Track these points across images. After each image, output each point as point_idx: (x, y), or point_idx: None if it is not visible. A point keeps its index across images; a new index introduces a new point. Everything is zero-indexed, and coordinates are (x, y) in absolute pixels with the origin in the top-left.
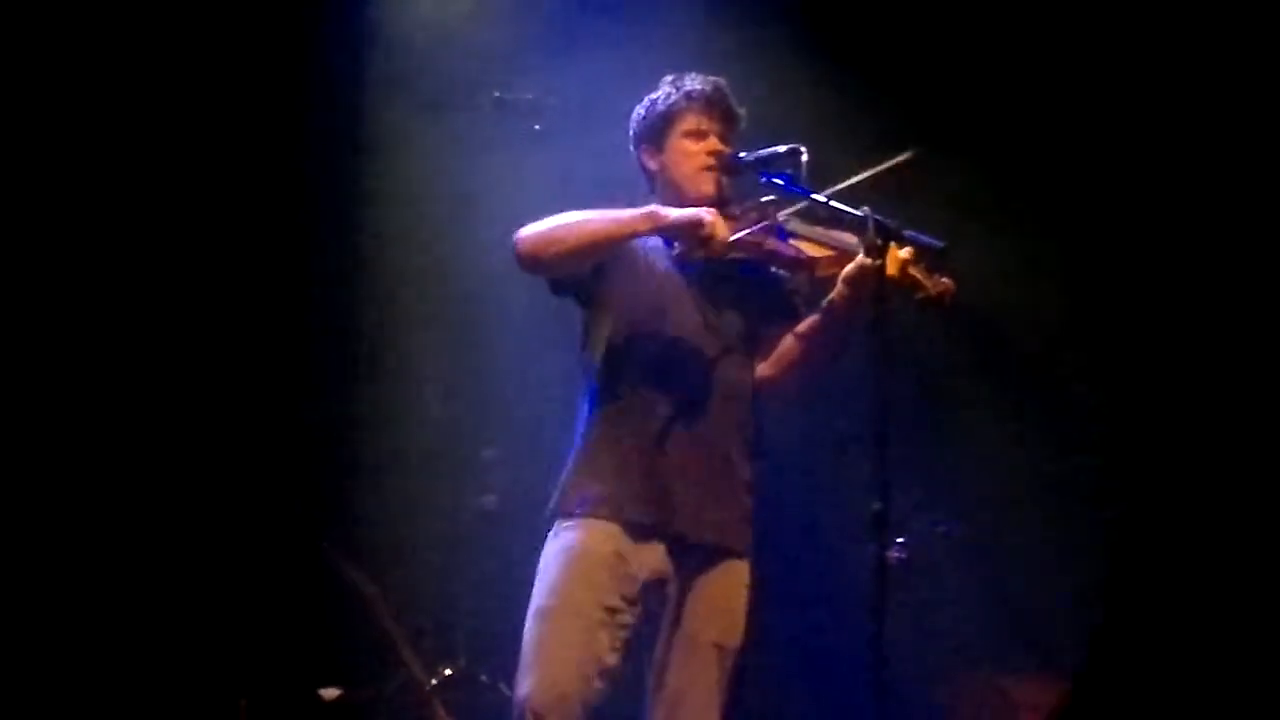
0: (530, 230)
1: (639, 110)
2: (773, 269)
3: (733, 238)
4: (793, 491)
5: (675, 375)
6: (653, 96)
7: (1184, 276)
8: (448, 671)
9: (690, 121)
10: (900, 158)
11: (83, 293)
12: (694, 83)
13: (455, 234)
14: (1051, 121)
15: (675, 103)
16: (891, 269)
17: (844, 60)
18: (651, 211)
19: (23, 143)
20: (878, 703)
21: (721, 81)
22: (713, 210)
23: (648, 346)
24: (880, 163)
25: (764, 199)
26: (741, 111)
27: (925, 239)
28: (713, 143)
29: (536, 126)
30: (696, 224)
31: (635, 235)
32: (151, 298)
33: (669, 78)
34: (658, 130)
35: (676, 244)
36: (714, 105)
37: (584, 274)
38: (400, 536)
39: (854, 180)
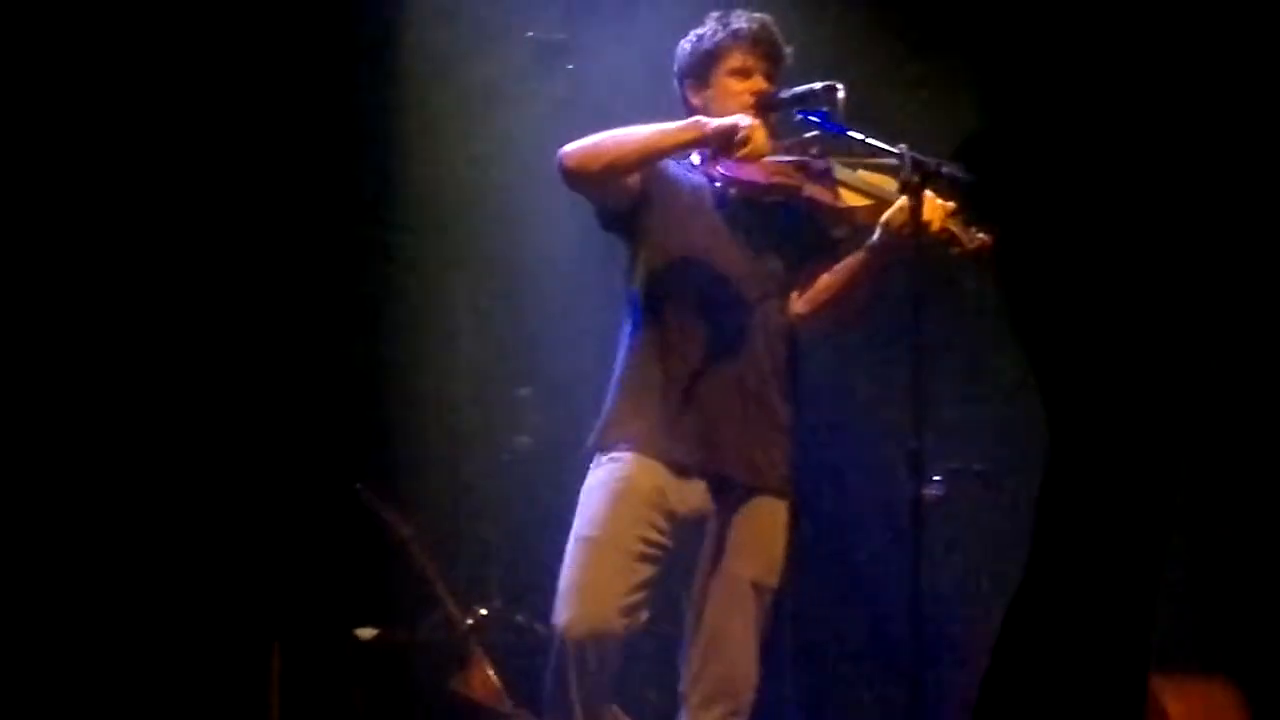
0: (575, 145)
1: (684, 46)
2: (811, 215)
3: (771, 157)
4: (830, 430)
5: (717, 315)
6: (699, 32)
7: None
8: (483, 612)
9: (736, 59)
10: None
11: (116, 227)
12: (740, 20)
13: (489, 173)
14: (1100, 62)
15: (721, 40)
16: (932, 221)
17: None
18: (695, 120)
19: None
20: (915, 639)
21: (768, 19)
22: (754, 116)
23: (691, 285)
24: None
25: (807, 136)
26: (788, 50)
27: (962, 174)
28: (757, 81)
29: (570, 66)
30: (732, 129)
31: (681, 145)
32: (182, 239)
33: (715, 14)
34: (703, 66)
35: (717, 153)
36: (760, 43)
37: (630, 205)
38: (435, 477)
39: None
